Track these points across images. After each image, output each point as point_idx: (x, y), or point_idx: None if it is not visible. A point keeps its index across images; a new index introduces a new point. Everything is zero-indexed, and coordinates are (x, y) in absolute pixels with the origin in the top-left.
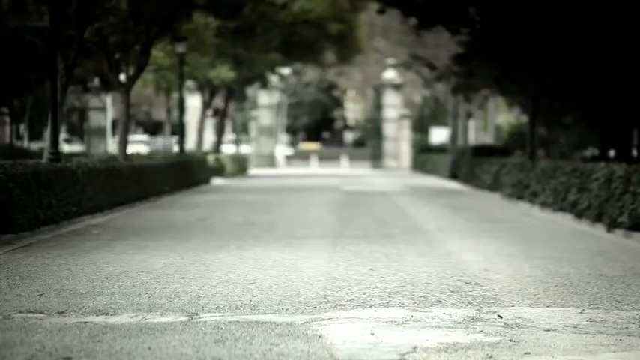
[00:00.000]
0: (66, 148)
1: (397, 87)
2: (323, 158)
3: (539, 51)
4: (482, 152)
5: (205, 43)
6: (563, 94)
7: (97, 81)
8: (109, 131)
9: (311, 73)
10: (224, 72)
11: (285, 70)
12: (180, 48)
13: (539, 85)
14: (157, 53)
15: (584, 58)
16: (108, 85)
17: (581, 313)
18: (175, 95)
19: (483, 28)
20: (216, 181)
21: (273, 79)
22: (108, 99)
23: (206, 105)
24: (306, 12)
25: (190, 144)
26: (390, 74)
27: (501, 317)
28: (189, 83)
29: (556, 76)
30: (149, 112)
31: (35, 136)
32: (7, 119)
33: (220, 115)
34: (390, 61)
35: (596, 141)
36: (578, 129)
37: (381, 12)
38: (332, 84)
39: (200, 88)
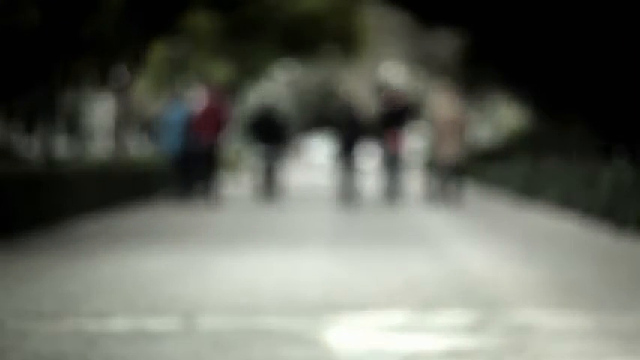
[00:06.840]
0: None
1: (397, 86)
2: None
3: (542, 50)
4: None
5: (204, 42)
6: (566, 95)
7: (92, 81)
8: (111, 132)
9: (311, 72)
10: (222, 69)
11: (285, 70)
12: (180, 46)
13: (543, 86)
14: (156, 52)
15: (589, 56)
16: (104, 85)
17: (587, 317)
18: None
19: (486, 28)
20: None
21: (277, 72)
22: (105, 99)
23: None
24: (306, 10)
25: None
26: (391, 73)
27: (506, 321)
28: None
29: (559, 75)
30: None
31: (29, 137)
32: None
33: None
34: (391, 60)
35: (599, 140)
36: (581, 128)
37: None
38: (332, 83)
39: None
